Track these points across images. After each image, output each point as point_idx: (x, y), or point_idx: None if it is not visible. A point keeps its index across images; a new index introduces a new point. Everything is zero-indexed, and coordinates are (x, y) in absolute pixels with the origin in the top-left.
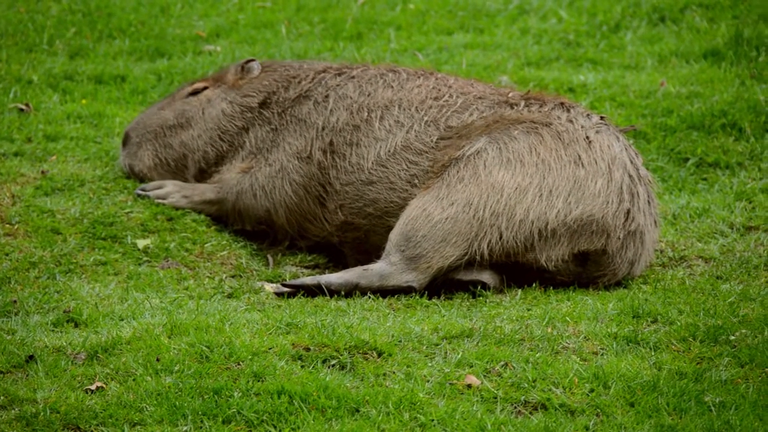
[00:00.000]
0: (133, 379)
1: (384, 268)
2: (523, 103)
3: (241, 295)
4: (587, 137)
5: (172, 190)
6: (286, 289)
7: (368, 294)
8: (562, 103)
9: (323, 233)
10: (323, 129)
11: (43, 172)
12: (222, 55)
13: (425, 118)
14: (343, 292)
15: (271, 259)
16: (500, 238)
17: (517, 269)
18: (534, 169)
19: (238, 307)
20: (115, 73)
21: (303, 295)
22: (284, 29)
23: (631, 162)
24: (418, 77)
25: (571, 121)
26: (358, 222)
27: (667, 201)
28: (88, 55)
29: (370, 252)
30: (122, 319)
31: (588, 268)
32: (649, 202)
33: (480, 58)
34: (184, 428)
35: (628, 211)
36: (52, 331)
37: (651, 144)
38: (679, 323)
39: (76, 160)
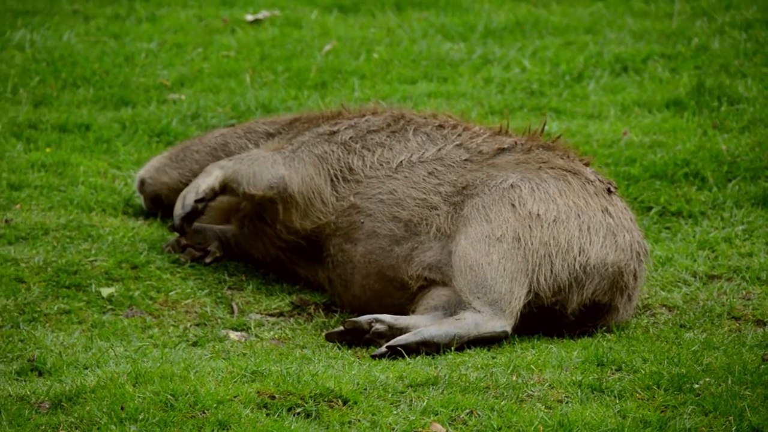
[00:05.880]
0: (98, 428)
1: (475, 317)
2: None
3: (206, 343)
4: (609, 190)
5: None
6: (384, 350)
7: (335, 342)
8: (568, 155)
9: (325, 219)
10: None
11: (6, 220)
12: (186, 104)
13: (455, 142)
14: (450, 346)
15: (236, 307)
16: (551, 270)
17: (535, 320)
18: (567, 209)
19: (203, 355)
20: (79, 121)
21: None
22: (248, 78)
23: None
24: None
25: (594, 173)
26: (364, 206)
27: None
28: (52, 103)
29: (353, 242)
30: (86, 368)
31: (589, 319)
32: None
33: (444, 107)
34: None
35: (635, 272)
36: (16, 380)
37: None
38: (643, 371)
39: (40, 209)
